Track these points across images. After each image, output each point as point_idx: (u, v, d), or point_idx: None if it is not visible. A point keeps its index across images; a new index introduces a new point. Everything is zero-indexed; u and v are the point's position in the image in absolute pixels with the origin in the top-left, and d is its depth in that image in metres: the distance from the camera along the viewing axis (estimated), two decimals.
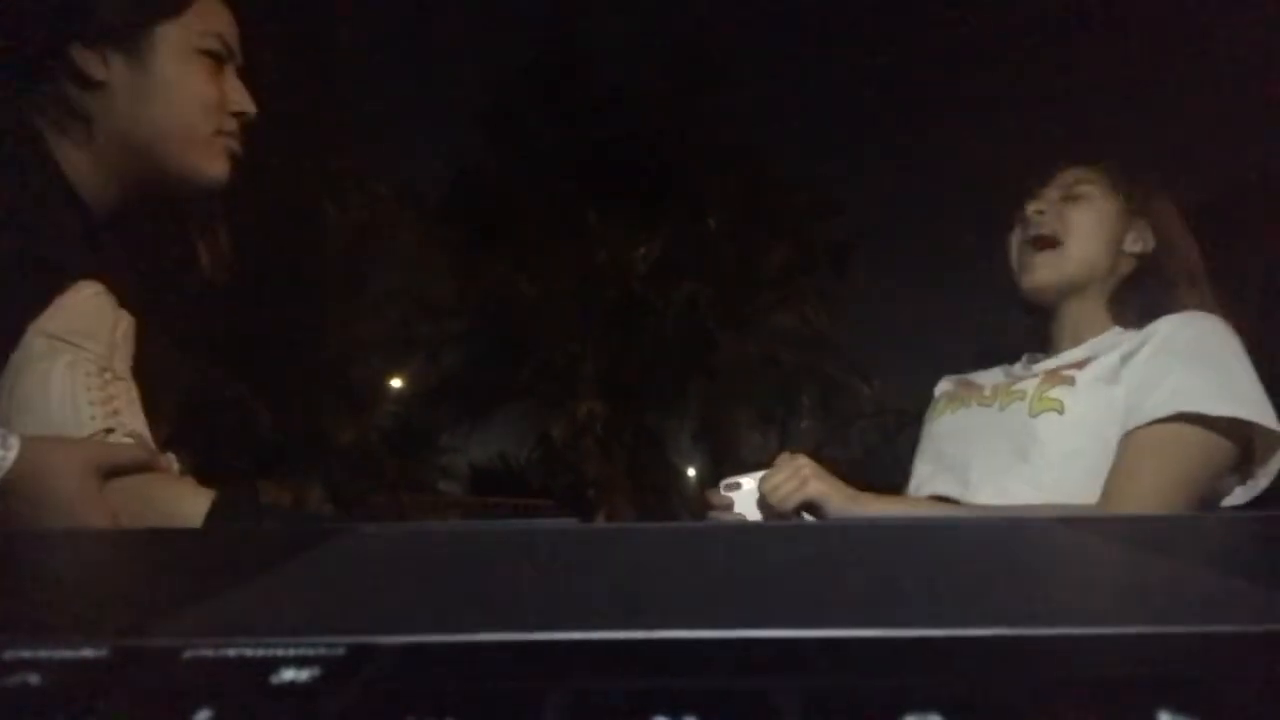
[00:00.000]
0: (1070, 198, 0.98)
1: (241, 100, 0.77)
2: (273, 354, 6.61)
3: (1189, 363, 0.85)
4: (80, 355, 0.62)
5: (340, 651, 0.15)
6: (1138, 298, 0.95)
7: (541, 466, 9.87)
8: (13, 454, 0.55)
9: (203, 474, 0.70)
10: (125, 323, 0.68)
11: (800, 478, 0.90)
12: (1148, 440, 0.83)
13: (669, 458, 9.99)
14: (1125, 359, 0.88)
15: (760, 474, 0.95)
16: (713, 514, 0.97)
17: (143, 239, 0.81)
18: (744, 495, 0.96)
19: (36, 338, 0.62)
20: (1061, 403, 0.89)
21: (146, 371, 0.69)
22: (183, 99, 0.73)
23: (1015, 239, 1.02)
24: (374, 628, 0.16)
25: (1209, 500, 0.86)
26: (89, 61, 0.71)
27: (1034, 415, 0.90)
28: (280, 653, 0.14)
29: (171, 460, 0.68)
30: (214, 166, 0.76)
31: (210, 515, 0.60)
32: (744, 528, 0.34)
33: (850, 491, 0.89)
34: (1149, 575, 0.24)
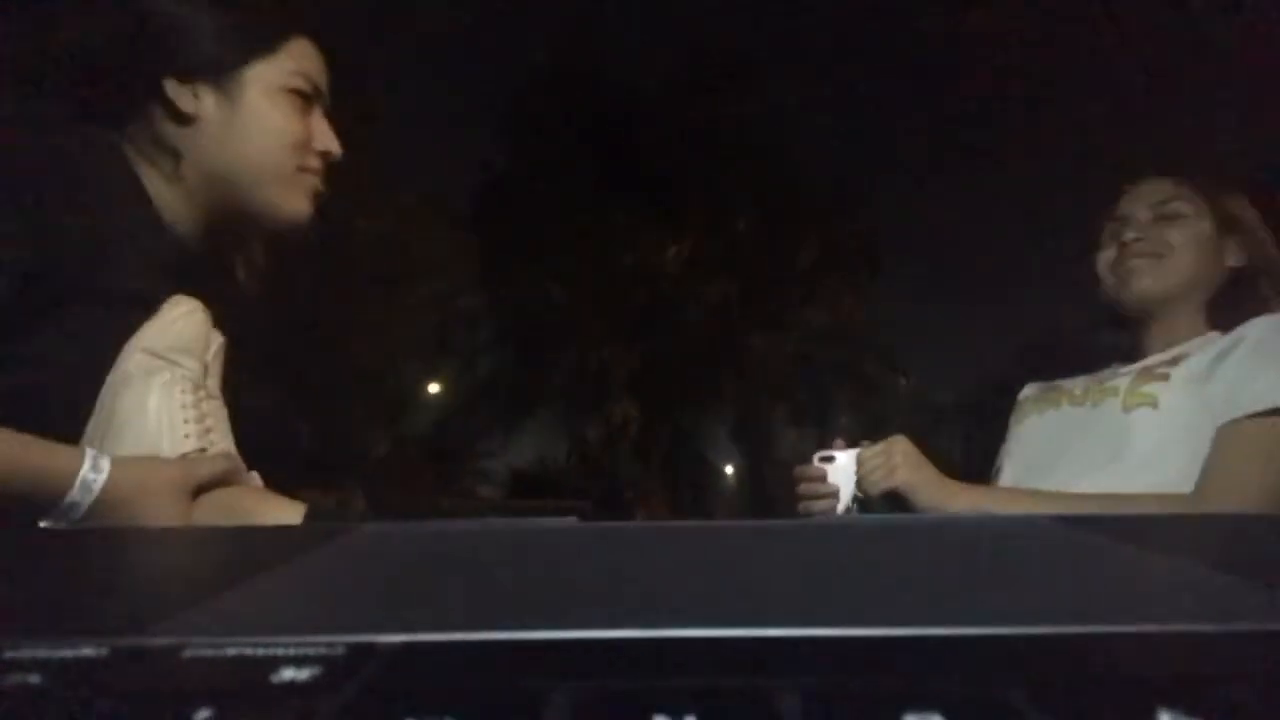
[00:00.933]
0: (1164, 217, 0.99)
1: (327, 140, 0.78)
2: (310, 363, 6.63)
3: (1274, 359, 0.86)
4: (177, 373, 0.63)
5: (340, 650, 0.14)
6: (1231, 307, 0.96)
7: (578, 469, 9.88)
8: (103, 476, 0.56)
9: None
10: (217, 343, 0.69)
11: (889, 466, 0.90)
12: (1243, 434, 0.84)
13: (705, 457, 9.99)
14: (1220, 357, 0.89)
15: (856, 450, 0.94)
16: (805, 486, 0.96)
17: (221, 261, 0.81)
18: (838, 469, 0.95)
19: (135, 354, 0.62)
20: (1156, 398, 0.89)
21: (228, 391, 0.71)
22: (270, 136, 0.74)
23: (1107, 257, 1.03)
24: (374, 627, 0.16)
25: None
26: (182, 96, 0.72)
27: (1128, 410, 0.90)
28: (280, 652, 0.14)
29: (256, 478, 0.68)
30: (296, 203, 0.77)
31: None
32: (742, 527, 0.34)
33: (942, 483, 0.90)
34: (1149, 575, 0.24)
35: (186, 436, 0.62)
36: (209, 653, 0.15)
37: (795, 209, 9.40)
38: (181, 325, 0.65)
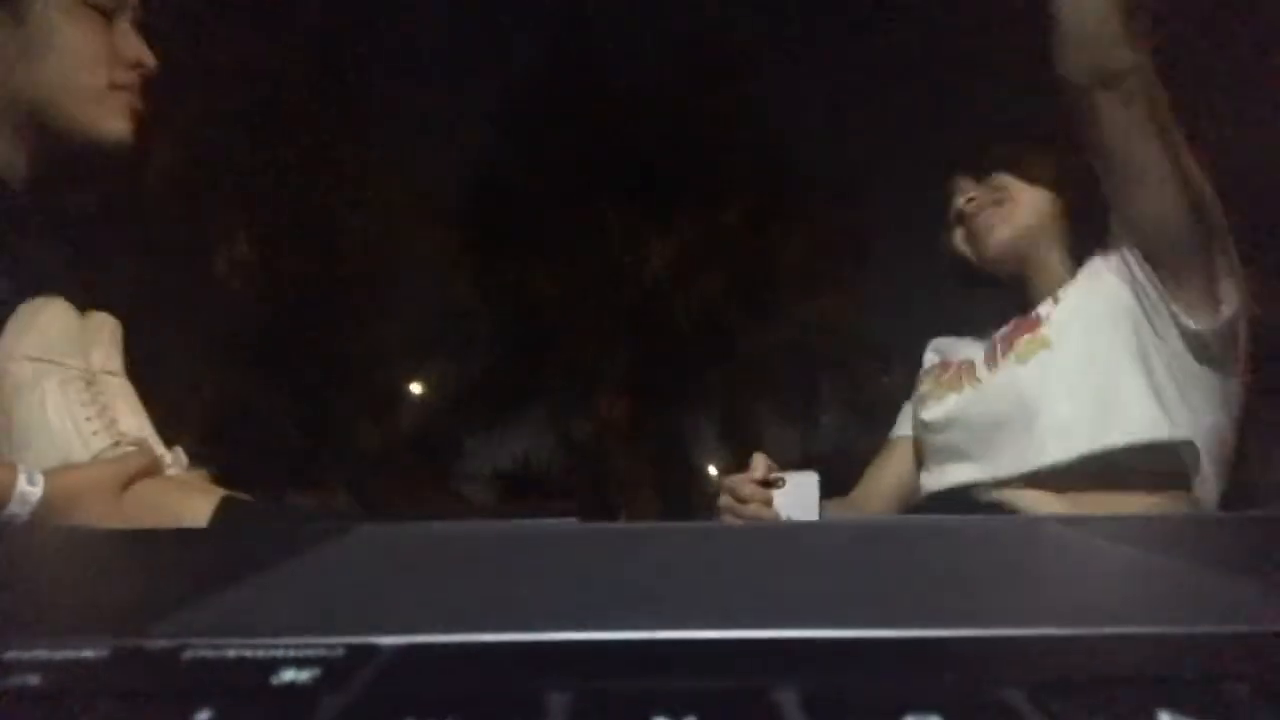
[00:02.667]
0: (985, 177, 0.99)
1: (136, 51, 0.75)
2: (294, 359, 6.64)
3: None
4: (67, 373, 0.63)
5: (340, 652, 0.14)
6: (1086, 238, 0.94)
7: (566, 466, 9.85)
8: (39, 489, 0.57)
9: (229, 480, 0.71)
10: (109, 326, 0.69)
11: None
12: None
13: (693, 455, 9.96)
14: (1091, 276, 0.90)
15: (814, 475, 0.90)
16: (744, 506, 0.90)
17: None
18: (787, 493, 0.89)
19: (19, 364, 0.62)
20: (1047, 339, 0.89)
21: (166, 373, 0.70)
22: (66, 55, 0.71)
23: (957, 233, 1.02)
24: (374, 628, 0.16)
25: None
26: None
27: (1023, 362, 0.90)
28: (280, 653, 0.14)
29: (179, 455, 0.69)
30: (111, 123, 0.74)
31: (215, 516, 0.61)
32: (744, 528, 0.34)
33: None
34: (1149, 575, 0.24)
35: (95, 433, 0.63)
36: (209, 654, 0.15)
37: (786, 204, 9.39)
38: (53, 325, 0.65)
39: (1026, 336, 0.92)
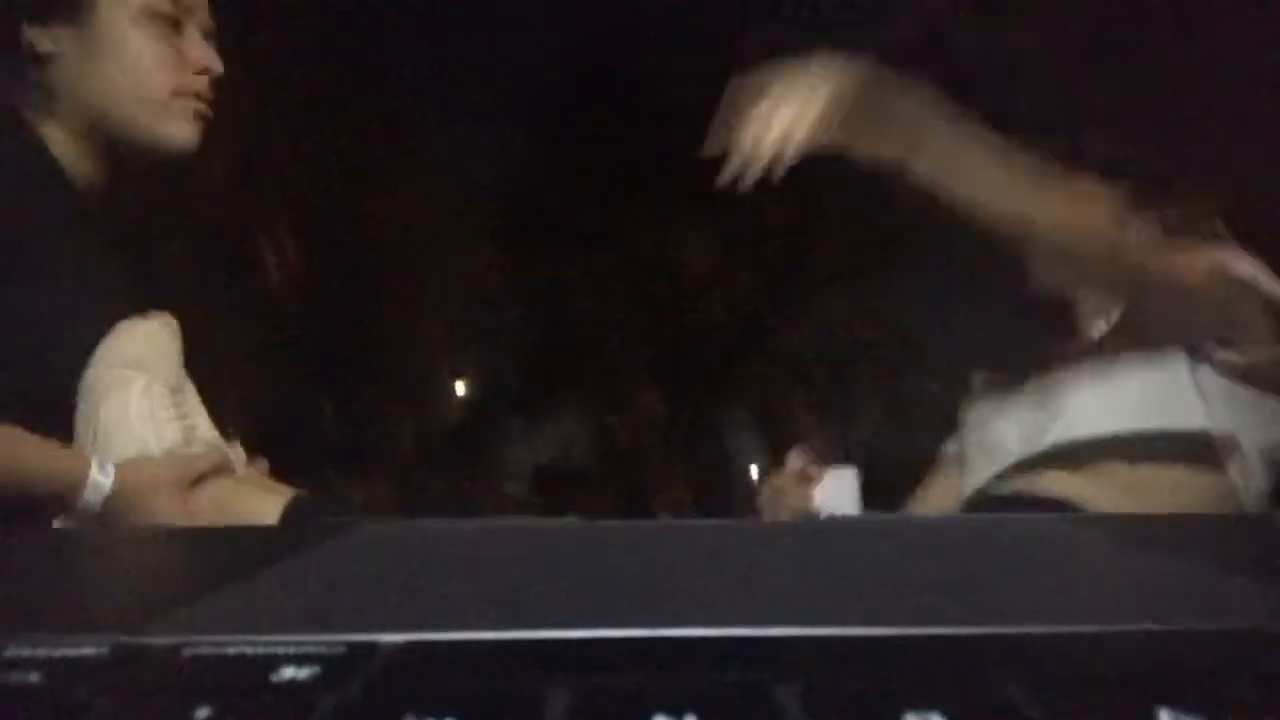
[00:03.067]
0: None
1: (203, 58, 0.76)
2: (338, 354, 6.68)
3: None
4: (152, 381, 0.67)
5: (341, 649, 0.14)
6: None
7: (601, 463, 9.86)
8: (110, 479, 0.60)
9: (277, 472, 0.74)
10: (174, 329, 0.71)
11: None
12: None
13: (729, 452, 9.95)
14: None
15: (852, 470, 0.90)
16: (792, 499, 0.90)
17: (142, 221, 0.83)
18: (830, 486, 0.89)
19: (112, 370, 0.66)
20: (1096, 341, 0.87)
21: (216, 369, 0.74)
22: (130, 61, 0.73)
23: None
24: (375, 626, 0.16)
25: None
26: (40, 39, 0.72)
27: (1074, 364, 0.88)
28: (281, 650, 0.14)
29: (239, 450, 0.72)
30: (176, 129, 0.75)
31: (285, 516, 0.63)
32: (743, 526, 0.34)
33: None
34: (1149, 574, 0.24)
35: (172, 433, 0.66)
36: (209, 651, 0.15)
37: (822, 200, 9.37)
38: (151, 341, 0.68)
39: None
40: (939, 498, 1.04)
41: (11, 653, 0.14)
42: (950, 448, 1.07)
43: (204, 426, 0.69)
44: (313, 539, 0.29)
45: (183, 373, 0.71)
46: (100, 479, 0.59)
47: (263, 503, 0.65)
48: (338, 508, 0.79)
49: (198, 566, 0.29)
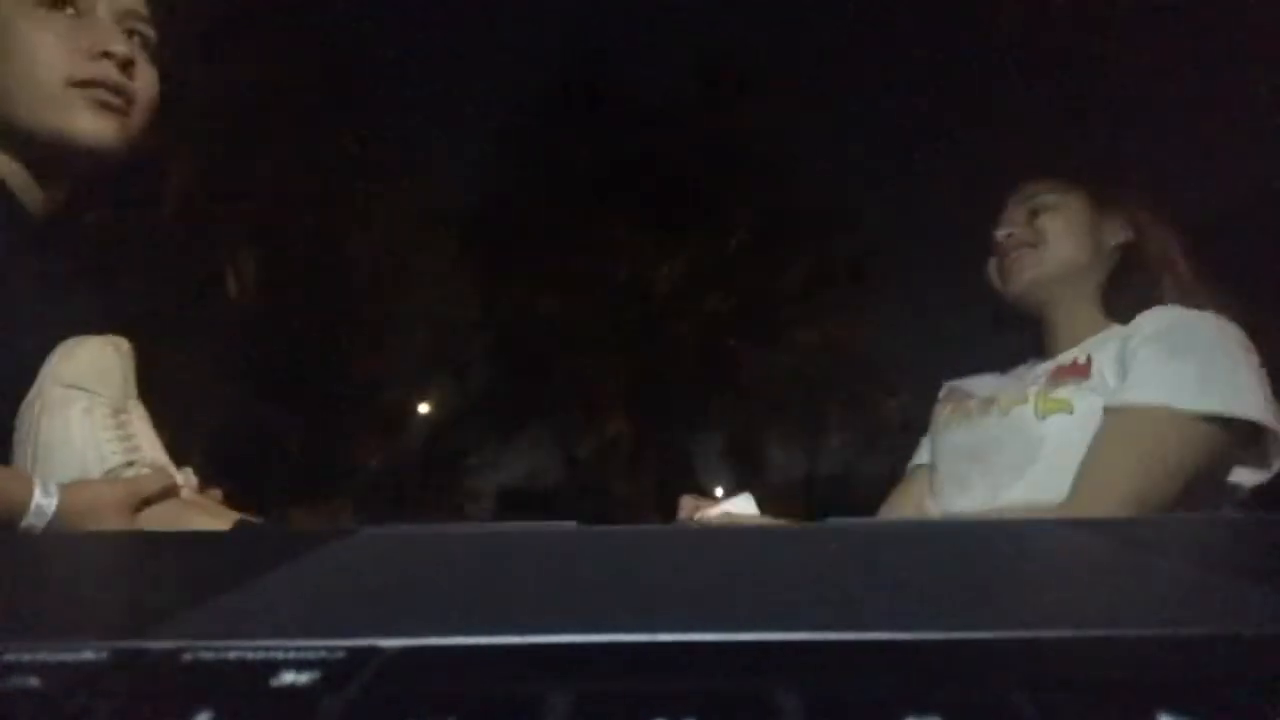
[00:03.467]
0: (1035, 210, 0.99)
1: (102, 40, 0.69)
2: (301, 378, 6.69)
3: (1166, 356, 0.84)
4: (95, 400, 0.65)
5: (340, 654, 0.14)
6: (1126, 291, 0.94)
7: (568, 485, 9.87)
8: (54, 500, 0.58)
9: (234, 499, 0.73)
10: (125, 349, 0.70)
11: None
12: (1122, 424, 0.83)
13: (696, 475, 9.98)
14: (1121, 356, 0.88)
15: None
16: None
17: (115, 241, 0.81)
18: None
19: (54, 388, 0.65)
20: (1070, 403, 0.89)
21: (173, 393, 0.72)
22: (14, 54, 0.67)
23: (992, 263, 1.03)
24: (374, 630, 0.16)
25: (1210, 491, 0.85)
26: None
27: (1042, 418, 0.90)
28: (280, 655, 0.14)
29: (188, 475, 0.70)
30: (78, 121, 0.69)
31: None
32: (744, 531, 0.34)
33: None
34: (1149, 577, 0.24)
35: (114, 453, 0.64)
36: (209, 656, 0.15)
37: (790, 225, 9.42)
38: (95, 361, 0.67)
39: (1051, 389, 0.91)
40: (906, 511, 1.05)
41: (11, 657, 0.14)
42: (919, 458, 1.08)
43: (148, 448, 0.67)
44: (312, 543, 0.29)
45: (132, 394, 0.69)
46: (44, 501, 0.58)
47: (208, 525, 0.64)
48: (284, 533, 0.78)
49: (196, 572, 0.29)
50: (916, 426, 1.14)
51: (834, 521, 0.38)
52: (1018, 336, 1.06)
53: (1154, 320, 0.88)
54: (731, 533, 0.33)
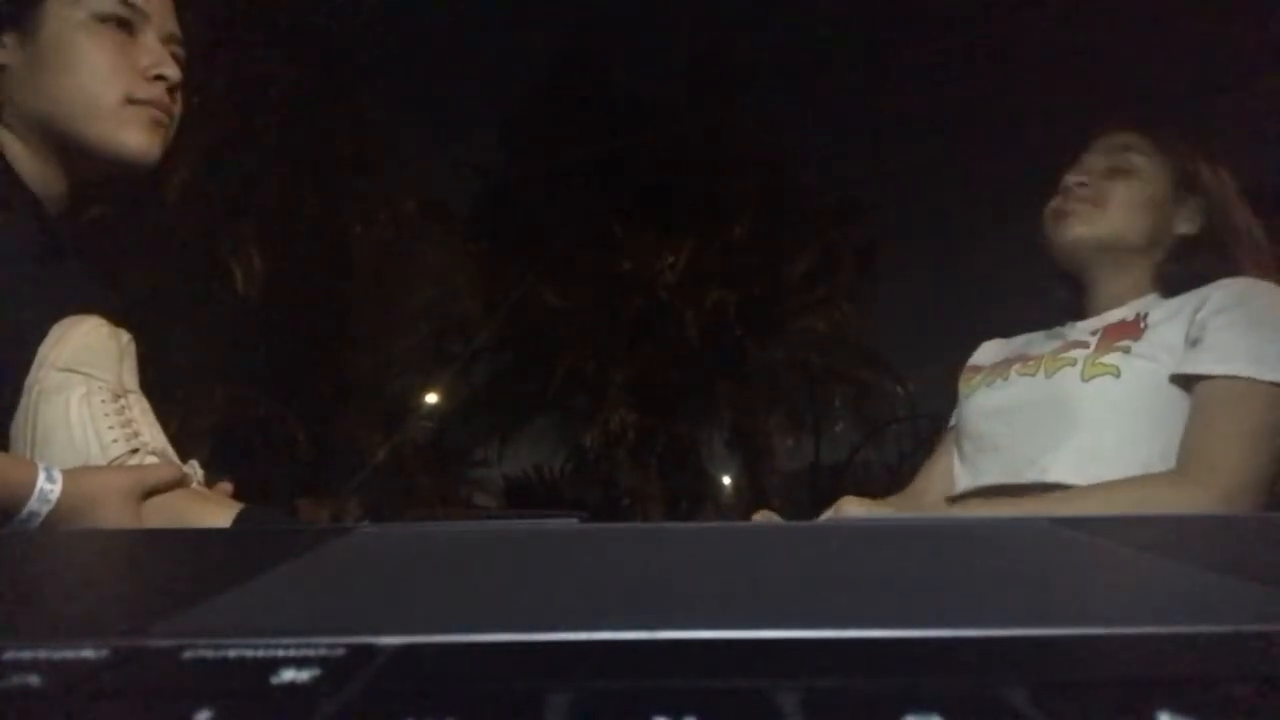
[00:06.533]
0: (1116, 170, 0.94)
1: (158, 64, 0.73)
2: (306, 371, 6.70)
3: (1246, 326, 0.82)
4: (93, 384, 0.65)
5: (340, 652, 0.14)
6: (1183, 272, 0.91)
7: (574, 477, 9.89)
8: (58, 487, 0.58)
9: (241, 492, 0.73)
10: (125, 340, 0.69)
11: None
12: (1222, 395, 0.79)
13: (701, 464, 10.00)
14: (1193, 322, 0.85)
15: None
16: None
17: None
18: None
19: (50, 372, 0.64)
20: (1117, 368, 0.86)
21: (177, 386, 0.73)
22: (76, 68, 0.70)
23: (1052, 203, 0.97)
24: (374, 628, 0.16)
25: None
26: None
27: (1087, 380, 0.87)
28: (280, 653, 0.14)
29: (195, 467, 0.70)
30: (131, 137, 0.72)
31: (234, 528, 0.62)
32: (743, 529, 0.34)
33: None
34: (1149, 575, 0.24)
35: (115, 441, 0.64)
36: (209, 653, 0.15)
37: (792, 217, 9.43)
38: (89, 339, 0.66)
39: (1100, 354, 0.89)
40: (940, 479, 1.04)
41: (11, 655, 0.14)
42: (952, 423, 1.07)
43: (149, 435, 0.66)
44: (312, 540, 0.29)
45: (132, 380, 0.69)
46: (48, 486, 0.57)
47: (214, 517, 0.63)
48: (290, 521, 0.77)
49: (197, 569, 0.29)
50: (922, 414, 1.14)
51: (834, 520, 0.38)
52: (1039, 304, 1.02)
53: (1227, 291, 0.85)
54: (731, 530, 0.33)
